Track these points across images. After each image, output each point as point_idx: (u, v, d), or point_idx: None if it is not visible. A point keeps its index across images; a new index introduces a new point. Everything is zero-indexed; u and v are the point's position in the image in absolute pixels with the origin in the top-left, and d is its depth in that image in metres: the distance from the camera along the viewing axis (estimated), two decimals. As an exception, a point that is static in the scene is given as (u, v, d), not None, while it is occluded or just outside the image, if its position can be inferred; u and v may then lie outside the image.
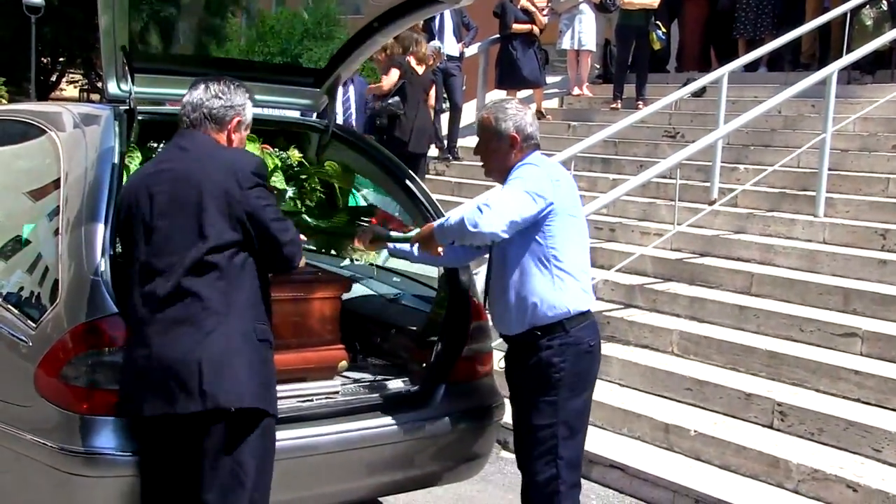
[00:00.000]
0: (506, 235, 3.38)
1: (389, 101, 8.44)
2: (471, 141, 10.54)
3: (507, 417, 5.70)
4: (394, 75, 8.59)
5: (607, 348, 6.15)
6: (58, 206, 3.50)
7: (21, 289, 3.59)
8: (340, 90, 8.49)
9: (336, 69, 4.30)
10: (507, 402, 3.91)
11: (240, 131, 3.28)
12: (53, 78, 25.74)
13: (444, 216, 4.19)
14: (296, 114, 4.48)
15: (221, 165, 3.05)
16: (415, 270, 4.64)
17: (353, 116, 8.78)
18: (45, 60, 24.43)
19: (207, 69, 4.05)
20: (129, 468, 3.15)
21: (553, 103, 11.38)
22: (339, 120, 8.33)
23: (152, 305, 2.99)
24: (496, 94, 11.44)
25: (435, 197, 8.31)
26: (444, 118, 10.54)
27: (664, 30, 10.46)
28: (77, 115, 3.88)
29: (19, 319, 3.44)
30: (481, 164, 3.71)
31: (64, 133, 3.82)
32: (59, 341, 3.24)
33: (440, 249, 3.65)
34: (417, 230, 3.75)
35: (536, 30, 10.46)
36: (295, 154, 4.11)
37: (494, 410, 4.01)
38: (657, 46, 10.45)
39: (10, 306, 3.53)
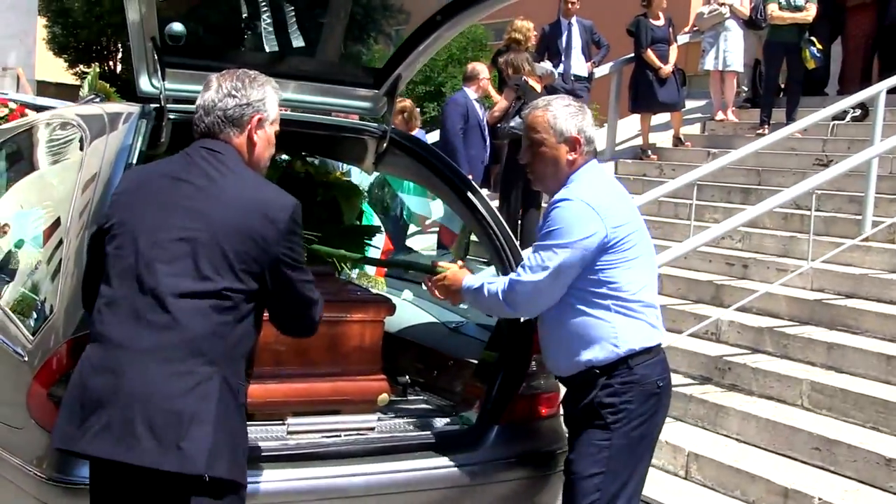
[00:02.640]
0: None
1: (511, 123, 8.20)
2: (599, 169, 10.28)
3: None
4: (507, 97, 8.46)
5: (726, 398, 5.69)
6: (70, 207, 3.40)
7: (27, 297, 3.49)
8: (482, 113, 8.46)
9: (396, 68, 4.06)
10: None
11: (263, 128, 2.91)
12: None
13: (504, 232, 3.90)
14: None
15: (254, 203, 2.70)
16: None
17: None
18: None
19: (249, 65, 3.89)
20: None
21: (694, 129, 10.87)
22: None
23: (134, 329, 2.60)
24: (630, 119, 11.05)
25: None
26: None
27: (820, 46, 9.78)
28: (107, 115, 3.79)
29: (20, 331, 3.32)
30: (528, 171, 3.40)
31: (91, 134, 3.73)
32: (52, 356, 3.09)
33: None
34: (449, 269, 3.52)
35: (673, 53, 10.04)
36: (299, 164, 3.91)
37: (557, 457, 3.63)
38: (811, 65, 9.78)
39: (14, 316, 3.43)
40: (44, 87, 19.92)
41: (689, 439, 5.44)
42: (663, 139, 10.65)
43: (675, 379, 6.03)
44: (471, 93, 8.53)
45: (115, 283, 2.66)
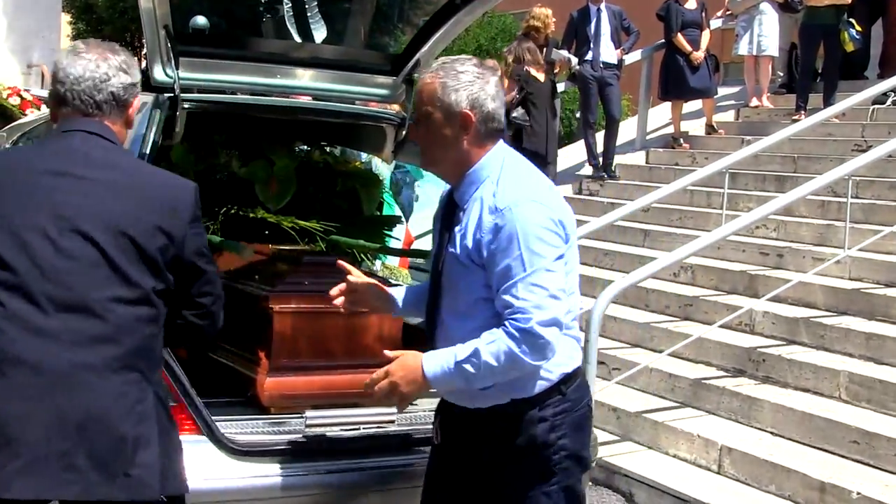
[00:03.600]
0: None
1: (514, 114, 8.55)
2: (630, 158, 10.25)
3: (624, 463, 5.30)
4: (510, 88, 8.72)
5: (760, 390, 5.63)
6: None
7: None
8: None
9: (415, 54, 4.05)
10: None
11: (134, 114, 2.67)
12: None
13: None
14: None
15: (157, 193, 2.50)
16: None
17: None
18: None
19: (265, 52, 3.91)
20: None
21: (727, 116, 10.77)
22: None
23: (49, 346, 2.29)
24: (661, 107, 10.98)
25: (585, 218, 7.99)
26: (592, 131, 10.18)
27: (859, 28, 9.66)
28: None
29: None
30: (420, 152, 2.81)
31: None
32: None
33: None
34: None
35: (705, 38, 9.98)
36: (317, 153, 3.93)
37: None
38: (850, 48, 9.66)
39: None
40: (69, 84, 20.09)
41: (721, 433, 5.39)
42: (695, 127, 10.56)
43: (708, 371, 6.04)
44: None
45: (4, 296, 2.32)
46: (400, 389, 2.61)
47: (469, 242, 2.62)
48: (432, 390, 2.66)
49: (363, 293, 2.98)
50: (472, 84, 2.66)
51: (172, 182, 2.59)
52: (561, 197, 2.73)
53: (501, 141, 2.75)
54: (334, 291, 2.97)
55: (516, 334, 2.50)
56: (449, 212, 2.76)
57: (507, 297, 2.53)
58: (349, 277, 2.96)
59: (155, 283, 2.44)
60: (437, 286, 2.76)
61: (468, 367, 2.54)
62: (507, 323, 2.52)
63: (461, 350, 2.56)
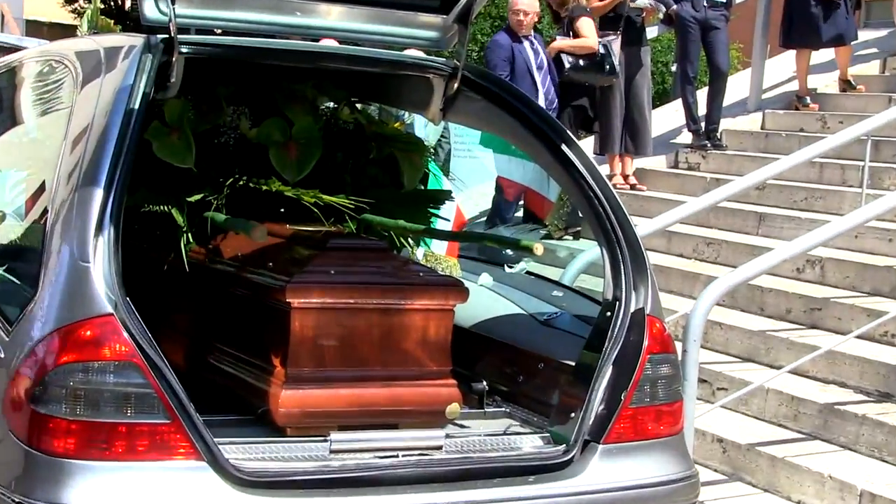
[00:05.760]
0: None
1: (566, 65, 8.86)
2: (741, 122, 10.21)
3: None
4: (592, 27, 8.85)
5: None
6: (56, 168, 3.48)
7: (5, 281, 3.60)
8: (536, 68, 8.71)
9: (471, -13, 4.07)
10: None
11: None
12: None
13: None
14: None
15: None
16: (582, 283, 4.36)
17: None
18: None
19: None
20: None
21: (870, 69, 10.77)
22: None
23: None
24: (783, 57, 10.92)
25: (681, 197, 7.98)
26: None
27: None
28: (104, 50, 3.87)
29: (-1, 323, 3.43)
30: None
31: (84, 73, 3.82)
32: (31, 353, 3.17)
33: None
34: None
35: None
36: (347, 112, 3.97)
37: (678, 488, 3.65)
38: None
39: (-9, 305, 3.54)
40: (35, 28, 20.46)
41: (862, 473, 5.37)
42: (827, 83, 10.53)
43: (843, 395, 6.01)
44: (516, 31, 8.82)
45: None
46: None
47: None
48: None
49: None
50: None
51: None
52: None
53: None
54: None
55: None
56: None
57: None
58: None
59: None
60: None
61: None
62: None
63: None
